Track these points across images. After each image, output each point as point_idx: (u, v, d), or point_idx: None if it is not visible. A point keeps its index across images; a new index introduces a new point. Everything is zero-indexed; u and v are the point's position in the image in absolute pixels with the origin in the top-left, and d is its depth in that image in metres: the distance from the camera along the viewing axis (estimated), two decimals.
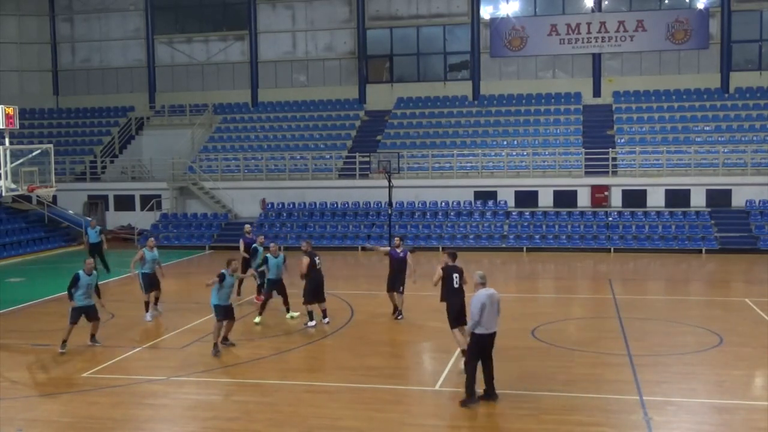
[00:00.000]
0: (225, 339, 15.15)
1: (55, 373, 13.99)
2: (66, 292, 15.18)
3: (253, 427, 11.06)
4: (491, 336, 11.53)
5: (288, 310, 17.73)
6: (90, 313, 15.21)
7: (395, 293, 17.74)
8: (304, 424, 11.04)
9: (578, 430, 10.70)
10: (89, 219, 28.24)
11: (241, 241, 20.40)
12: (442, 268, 14.00)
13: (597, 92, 37.36)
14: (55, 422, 11.37)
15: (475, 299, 11.40)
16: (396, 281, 17.67)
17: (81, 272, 15.01)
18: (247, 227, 21.47)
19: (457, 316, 13.68)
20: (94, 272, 15.25)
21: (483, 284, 11.61)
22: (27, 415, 11.73)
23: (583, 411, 11.41)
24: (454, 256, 14.22)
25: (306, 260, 16.69)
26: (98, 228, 25.47)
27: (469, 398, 11.40)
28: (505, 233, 30.73)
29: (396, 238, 18.35)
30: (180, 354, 15.01)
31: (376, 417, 11.31)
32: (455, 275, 13.85)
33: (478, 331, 11.36)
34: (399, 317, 17.70)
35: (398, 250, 17.77)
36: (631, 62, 37.34)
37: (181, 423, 11.43)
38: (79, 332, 15.82)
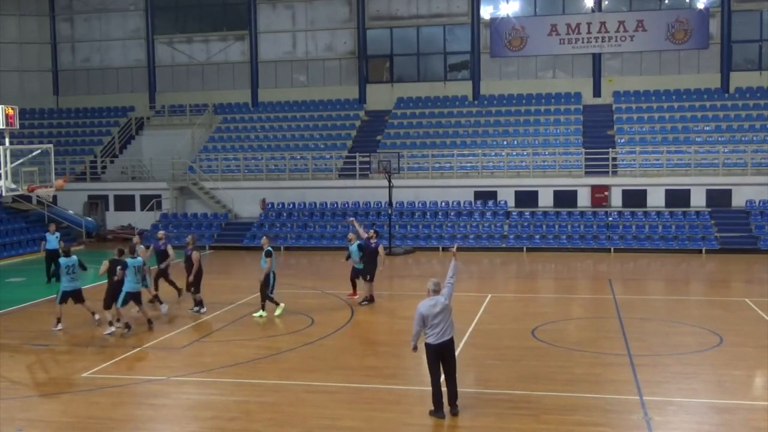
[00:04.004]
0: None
1: (55, 373, 13.99)
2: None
3: (253, 427, 11.05)
4: (443, 345, 10.88)
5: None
6: None
7: (364, 281, 19.19)
8: (304, 424, 11.03)
9: (578, 430, 10.69)
10: (48, 224, 26.56)
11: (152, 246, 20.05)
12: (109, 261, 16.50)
13: (597, 92, 37.36)
14: (55, 422, 11.36)
15: (417, 311, 10.94)
16: (366, 270, 19.15)
17: None
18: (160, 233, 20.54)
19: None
20: None
21: (435, 291, 11.01)
22: (27, 415, 11.72)
23: (583, 411, 11.40)
24: (121, 252, 16.67)
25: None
26: (58, 234, 23.65)
27: (435, 411, 10.99)
28: (505, 233, 30.72)
29: (372, 231, 19.81)
30: (180, 354, 15.01)
31: (376, 417, 11.30)
32: (118, 267, 16.24)
33: (427, 340, 10.90)
34: (364, 303, 19.04)
35: (372, 242, 19.34)
36: (631, 62, 37.33)
37: (181, 423, 11.42)
38: (78, 333, 15.83)
